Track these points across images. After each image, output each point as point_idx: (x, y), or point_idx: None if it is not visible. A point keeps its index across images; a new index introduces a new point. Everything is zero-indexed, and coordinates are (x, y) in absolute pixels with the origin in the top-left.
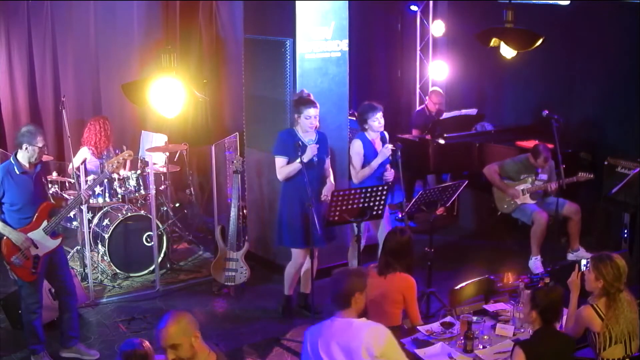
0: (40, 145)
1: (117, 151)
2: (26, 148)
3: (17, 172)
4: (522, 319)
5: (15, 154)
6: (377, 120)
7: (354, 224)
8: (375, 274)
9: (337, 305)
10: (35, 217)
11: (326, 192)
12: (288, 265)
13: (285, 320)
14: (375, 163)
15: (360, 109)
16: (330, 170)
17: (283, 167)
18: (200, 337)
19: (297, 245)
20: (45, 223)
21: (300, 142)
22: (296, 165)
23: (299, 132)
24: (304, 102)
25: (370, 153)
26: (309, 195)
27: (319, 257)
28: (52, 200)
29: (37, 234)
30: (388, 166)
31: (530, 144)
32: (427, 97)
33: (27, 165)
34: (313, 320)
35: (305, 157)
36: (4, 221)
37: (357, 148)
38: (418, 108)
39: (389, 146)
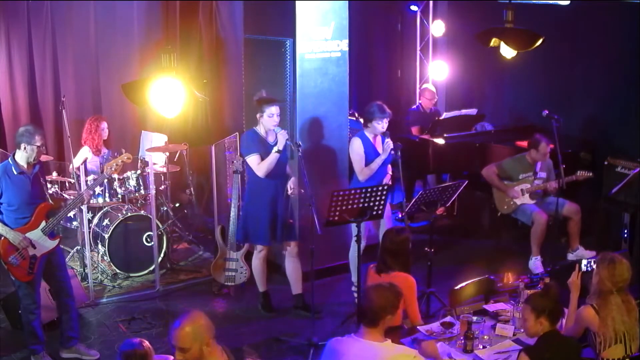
0: (38, 144)
1: (115, 154)
2: (24, 148)
3: (15, 173)
4: (528, 330)
5: (14, 154)
6: (381, 124)
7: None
8: (374, 273)
9: (364, 320)
10: (33, 217)
11: (292, 184)
12: (253, 258)
13: (272, 315)
14: (380, 159)
15: (369, 107)
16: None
17: (260, 164)
18: (213, 342)
19: (261, 241)
20: (43, 223)
21: (265, 143)
22: (274, 156)
23: (260, 131)
24: (266, 100)
25: (370, 151)
26: (308, 194)
27: (318, 257)
28: (50, 201)
29: (35, 234)
30: (389, 166)
31: None
32: (419, 95)
33: (25, 165)
34: (313, 320)
35: (280, 145)
36: (2, 221)
37: (356, 147)
38: (413, 107)
39: (389, 140)
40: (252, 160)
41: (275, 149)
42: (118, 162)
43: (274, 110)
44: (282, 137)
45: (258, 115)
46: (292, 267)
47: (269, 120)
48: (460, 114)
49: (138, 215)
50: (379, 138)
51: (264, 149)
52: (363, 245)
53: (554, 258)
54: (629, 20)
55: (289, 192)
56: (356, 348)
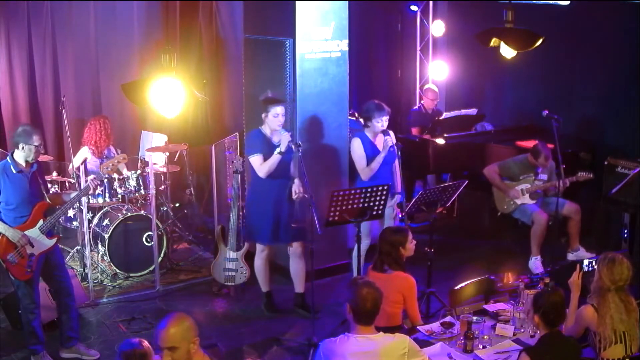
0: (36, 144)
1: (115, 152)
2: (22, 147)
3: (14, 171)
4: (528, 324)
5: (12, 153)
6: (381, 122)
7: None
8: (373, 273)
9: (363, 321)
10: (31, 216)
11: (297, 189)
12: (255, 258)
13: (273, 315)
14: (380, 157)
15: (366, 106)
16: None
17: (262, 165)
18: (197, 341)
19: (263, 241)
20: (41, 222)
21: (270, 143)
22: (275, 157)
23: (266, 131)
24: (270, 100)
25: (370, 151)
26: (308, 194)
27: (318, 257)
28: (48, 200)
29: (33, 233)
30: (389, 137)
31: (530, 144)
32: (421, 96)
33: (24, 164)
34: (313, 320)
35: (283, 146)
36: (0, 220)
37: (356, 147)
38: (415, 107)
39: (389, 138)
40: (255, 160)
41: (277, 150)
42: (114, 162)
43: (279, 110)
44: (285, 138)
45: (263, 115)
46: (295, 266)
47: (273, 120)
48: (461, 114)
49: (138, 215)
50: (380, 137)
51: (268, 149)
52: (368, 244)
53: (554, 258)
54: (629, 20)
55: (294, 196)
56: (350, 344)
